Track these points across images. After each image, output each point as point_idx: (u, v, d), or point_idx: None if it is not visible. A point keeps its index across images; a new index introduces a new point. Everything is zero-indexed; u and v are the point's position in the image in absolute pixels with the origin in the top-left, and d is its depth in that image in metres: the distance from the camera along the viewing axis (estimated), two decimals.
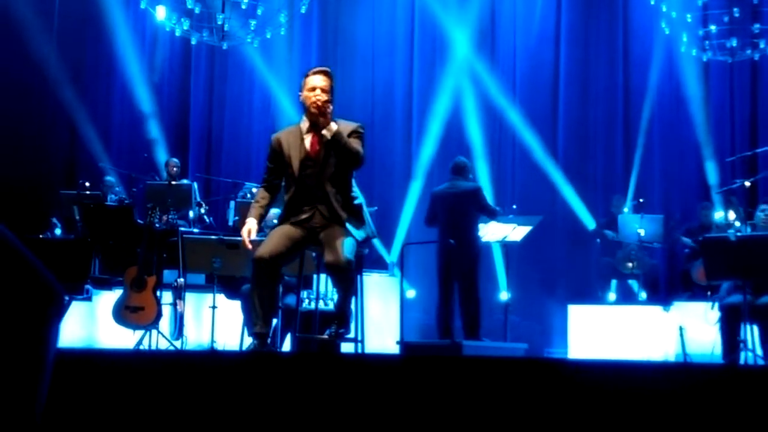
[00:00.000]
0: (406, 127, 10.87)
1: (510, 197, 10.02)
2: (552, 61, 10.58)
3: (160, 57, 10.84)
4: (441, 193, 7.50)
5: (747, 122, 10.02)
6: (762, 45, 9.05)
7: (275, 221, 4.78)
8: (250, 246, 4.44)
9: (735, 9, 8.79)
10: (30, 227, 7.87)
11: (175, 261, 7.07)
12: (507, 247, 8.07)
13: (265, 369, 3.48)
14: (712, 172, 9.79)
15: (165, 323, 7.06)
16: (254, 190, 8.16)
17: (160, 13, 9.39)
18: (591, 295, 9.21)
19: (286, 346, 6.21)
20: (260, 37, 9.56)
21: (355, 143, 4.46)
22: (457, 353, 6.50)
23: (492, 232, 7.56)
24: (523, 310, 9.26)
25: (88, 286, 7.27)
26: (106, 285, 7.73)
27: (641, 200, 9.24)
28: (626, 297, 9.15)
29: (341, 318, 4.61)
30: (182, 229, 7.80)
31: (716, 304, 6.28)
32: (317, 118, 4.48)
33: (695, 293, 8.29)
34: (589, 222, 10.08)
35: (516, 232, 7.58)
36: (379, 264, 9.51)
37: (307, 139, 4.55)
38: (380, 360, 4.12)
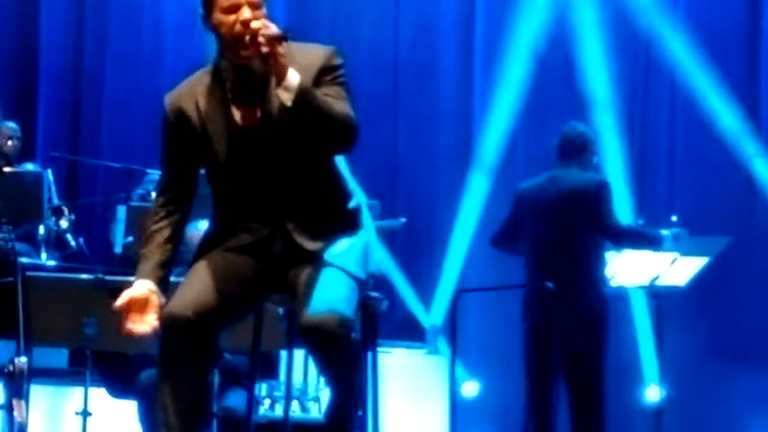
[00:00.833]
0: (462, 75, 9.08)
1: (665, 202, 8.28)
2: None
3: None
4: (533, 192, 6.48)
5: None
6: None
7: (195, 241, 3.90)
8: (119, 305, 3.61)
9: None
10: None
11: (10, 323, 5.90)
12: (659, 297, 6.88)
13: None
14: None
15: None
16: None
17: None
18: None
19: None
20: None
21: (337, 102, 3.49)
22: None
23: (628, 269, 6.71)
24: (692, 418, 7.79)
25: None
26: None
27: None
28: None
29: None
30: (24, 259, 6.98)
31: None
32: (264, 66, 3.46)
33: None
34: None
35: (678, 268, 6.59)
36: (408, 330, 8.49)
37: (237, 102, 3.63)
38: None
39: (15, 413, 6.05)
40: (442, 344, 8.07)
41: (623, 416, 7.24)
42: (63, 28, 9.56)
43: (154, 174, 7.36)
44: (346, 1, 8.98)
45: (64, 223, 7.38)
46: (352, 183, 3.80)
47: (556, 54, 8.57)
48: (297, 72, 3.43)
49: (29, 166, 8.00)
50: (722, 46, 8.42)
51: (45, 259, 7.29)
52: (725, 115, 8.28)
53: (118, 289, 4.90)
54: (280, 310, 4.63)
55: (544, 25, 8.55)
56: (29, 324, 5.80)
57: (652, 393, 7.31)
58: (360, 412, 3.95)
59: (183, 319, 3.53)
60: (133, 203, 7.43)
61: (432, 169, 8.87)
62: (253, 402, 4.61)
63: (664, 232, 6.49)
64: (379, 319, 4.15)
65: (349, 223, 3.71)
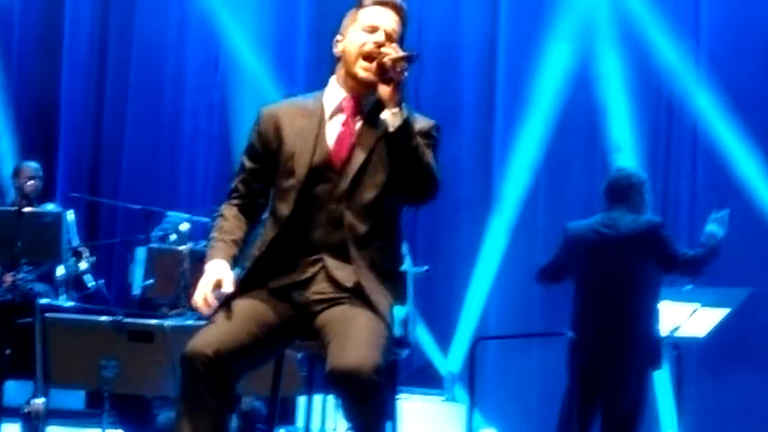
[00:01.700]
0: (483, 120, 9.06)
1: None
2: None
3: None
4: (586, 233, 6.39)
5: None
6: None
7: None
8: (207, 311, 3.46)
9: None
10: None
11: (27, 364, 6.03)
12: (680, 347, 6.72)
13: None
14: None
15: None
16: (184, 227, 7.27)
17: None
18: None
19: None
20: None
21: (430, 153, 3.55)
22: None
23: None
24: None
25: None
26: None
27: None
28: None
29: None
30: (42, 300, 6.75)
31: None
32: (381, 85, 3.46)
33: None
34: None
35: (698, 318, 6.53)
36: (425, 377, 8.42)
37: (333, 126, 3.58)
38: None
39: None
40: (460, 391, 8.04)
41: None
42: (86, 69, 9.66)
43: (174, 216, 7.48)
44: None
45: (83, 265, 7.30)
46: (405, 248, 3.82)
47: (578, 99, 8.55)
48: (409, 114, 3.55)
49: (50, 206, 8.01)
50: (743, 94, 8.44)
51: (63, 300, 7.27)
52: (746, 162, 8.26)
53: (140, 331, 5.44)
54: (299, 355, 4.70)
55: (567, 70, 8.60)
56: (47, 365, 5.78)
57: None
58: None
59: (203, 356, 3.50)
60: (152, 245, 7.38)
61: (452, 214, 8.79)
62: None
63: (710, 227, 6.51)
64: (398, 366, 4.05)
65: (394, 284, 3.69)
